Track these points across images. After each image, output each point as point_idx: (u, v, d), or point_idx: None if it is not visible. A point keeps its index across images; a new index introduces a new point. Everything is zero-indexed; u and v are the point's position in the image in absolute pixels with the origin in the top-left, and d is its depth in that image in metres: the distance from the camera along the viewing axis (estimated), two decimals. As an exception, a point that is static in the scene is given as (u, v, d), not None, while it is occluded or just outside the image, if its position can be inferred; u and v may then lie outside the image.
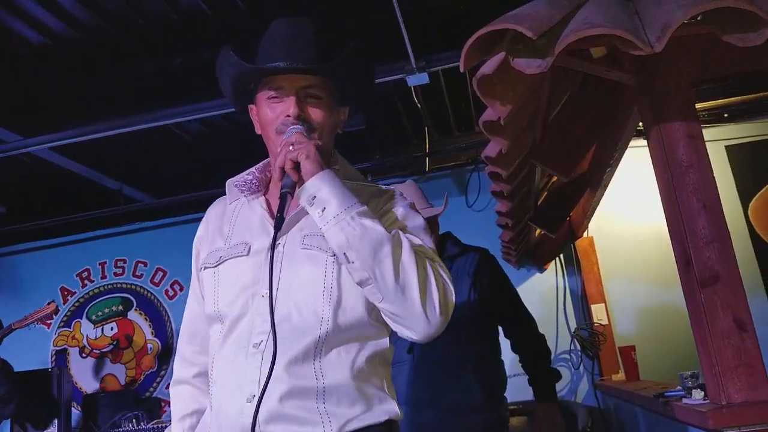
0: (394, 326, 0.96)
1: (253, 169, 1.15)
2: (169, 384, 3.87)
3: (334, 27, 2.45)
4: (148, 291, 3.97)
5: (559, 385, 2.24)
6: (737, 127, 3.34)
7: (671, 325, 3.15)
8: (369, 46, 1.11)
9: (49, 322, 4.00)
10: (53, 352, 3.98)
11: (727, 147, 3.32)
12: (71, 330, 4.01)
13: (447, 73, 2.90)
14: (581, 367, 3.28)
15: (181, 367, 1.15)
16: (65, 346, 3.97)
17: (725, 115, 3.31)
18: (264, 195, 1.12)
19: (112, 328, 3.96)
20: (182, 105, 2.71)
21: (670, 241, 1.37)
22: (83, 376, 3.90)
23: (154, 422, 2.96)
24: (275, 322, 0.96)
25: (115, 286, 4.02)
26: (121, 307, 3.98)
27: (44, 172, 3.46)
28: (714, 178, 1.28)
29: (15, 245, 4.17)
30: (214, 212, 1.17)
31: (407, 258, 0.92)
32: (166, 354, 3.83)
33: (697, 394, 1.40)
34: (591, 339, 3.16)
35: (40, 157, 3.09)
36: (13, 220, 3.91)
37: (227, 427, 0.94)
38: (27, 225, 3.89)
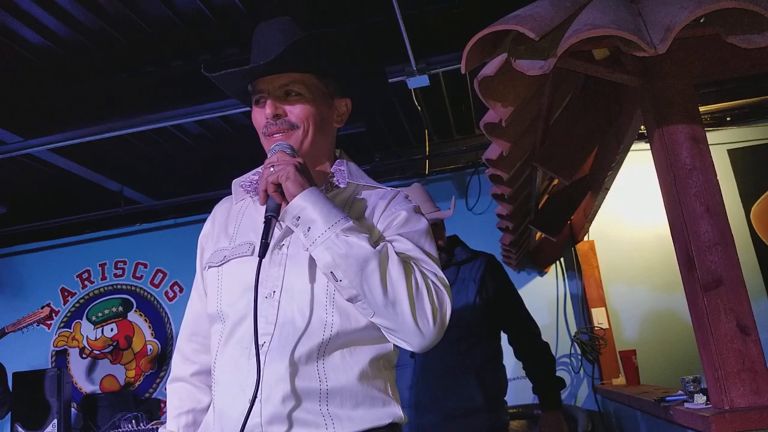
0: (389, 338, 0.96)
1: (258, 169, 1.14)
2: (168, 385, 3.78)
3: (332, 29, 2.45)
4: (148, 292, 3.97)
5: (559, 389, 2.23)
6: (739, 130, 3.34)
7: (672, 329, 3.14)
8: (369, 48, 1.09)
9: (49, 323, 4.00)
10: (53, 353, 3.97)
11: (729, 151, 3.32)
12: (71, 331, 4.00)
13: (447, 75, 2.90)
14: (581, 371, 3.26)
15: (180, 364, 1.15)
16: (65, 347, 3.97)
17: (727, 118, 3.31)
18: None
19: (112, 329, 3.95)
20: (183, 107, 2.71)
21: (673, 245, 1.36)
22: (83, 376, 3.90)
23: (153, 423, 2.95)
24: (279, 324, 0.96)
25: (115, 287, 4.02)
26: (121, 309, 3.97)
27: (45, 174, 3.46)
28: (717, 181, 1.27)
29: (16, 246, 4.17)
30: (220, 210, 1.17)
31: (395, 272, 0.91)
32: (166, 355, 3.82)
33: (699, 399, 1.38)
34: (591, 343, 3.15)
35: (40, 158, 3.09)
36: (13, 221, 3.90)
37: (230, 428, 0.93)
38: (27, 226, 3.89)
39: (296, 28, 1.06)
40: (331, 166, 1.12)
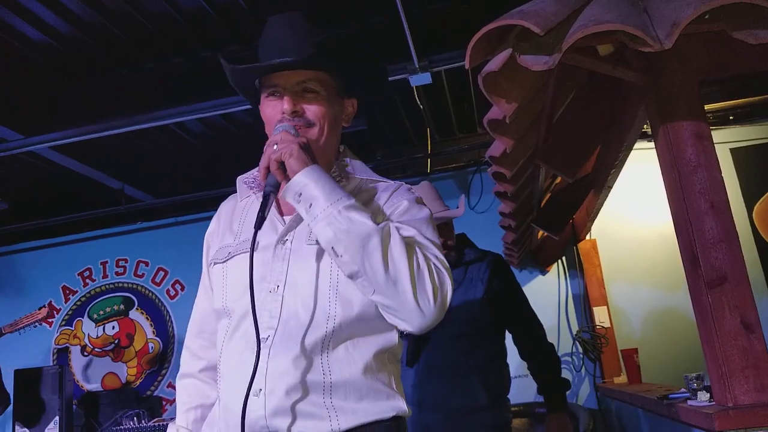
0: (388, 318, 0.95)
1: None
2: (170, 383, 3.86)
3: (335, 26, 2.45)
4: (149, 290, 3.97)
5: (562, 388, 2.22)
6: (742, 129, 3.33)
7: (674, 328, 3.13)
8: (372, 46, 1.09)
9: (50, 320, 4.00)
10: (54, 351, 3.98)
11: (731, 150, 3.31)
12: (73, 329, 4.01)
13: (449, 74, 2.90)
14: (583, 370, 3.26)
15: (188, 360, 1.16)
16: (67, 345, 3.97)
17: (730, 117, 3.30)
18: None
19: (113, 327, 3.95)
20: (184, 104, 2.71)
21: (677, 242, 1.35)
22: (84, 374, 3.90)
23: (155, 420, 2.95)
24: (283, 318, 0.96)
25: (116, 285, 4.02)
26: (122, 307, 3.97)
27: (45, 171, 3.46)
28: (722, 178, 1.27)
29: (17, 244, 4.17)
30: (226, 208, 1.17)
31: (397, 250, 0.91)
32: (167, 353, 3.82)
33: (703, 396, 1.38)
34: (593, 341, 3.15)
35: (41, 156, 3.09)
36: (15, 220, 3.90)
37: (234, 422, 0.94)
38: (29, 224, 3.89)
39: (307, 24, 1.07)
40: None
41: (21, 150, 2.87)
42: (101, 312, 3.99)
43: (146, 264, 4.00)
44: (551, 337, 2.12)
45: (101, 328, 3.96)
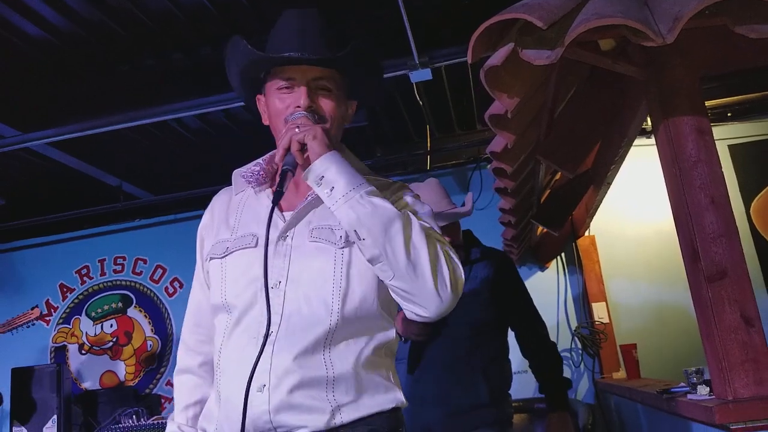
0: (404, 304, 0.95)
1: (260, 160, 1.15)
2: (168, 380, 3.83)
3: (337, 22, 2.45)
4: (147, 288, 3.96)
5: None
6: (740, 126, 3.34)
7: (672, 323, 3.15)
8: (372, 42, 1.11)
9: (48, 319, 3.99)
10: (52, 349, 3.96)
11: (729, 146, 3.32)
12: (70, 327, 3.99)
13: (449, 70, 2.89)
14: (582, 366, 3.27)
15: (185, 356, 1.15)
16: (64, 343, 3.96)
17: (728, 114, 3.31)
18: (271, 187, 1.12)
19: (111, 325, 3.94)
20: (182, 101, 2.70)
21: (677, 236, 1.36)
22: (82, 372, 3.89)
23: (154, 418, 2.94)
24: (285, 314, 0.97)
25: (114, 283, 4.00)
26: (120, 304, 3.96)
27: (43, 168, 3.44)
28: (722, 173, 1.27)
29: (14, 242, 4.15)
30: (219, 201, 1.17)
31: (418, 236, 0.93)
32: (166, 351, 3.81)
33: (703, 390, 1.39)
34: (592, 337, 3.16)
35: (38, 152, 3.07)
36: (12, 217, 3.89)
37: (236, 417, 0.94)
38: (26, 221, 3.87)
39: (323, 22, 1.08)
40: None
41: (18, 146, 2.86)
42: (99, 310, 3.98)
43: (144, 261, 3.99)
44: (550, 333, 2.12)
45: (99, 326, 3.94)
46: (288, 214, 1.05)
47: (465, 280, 2.03)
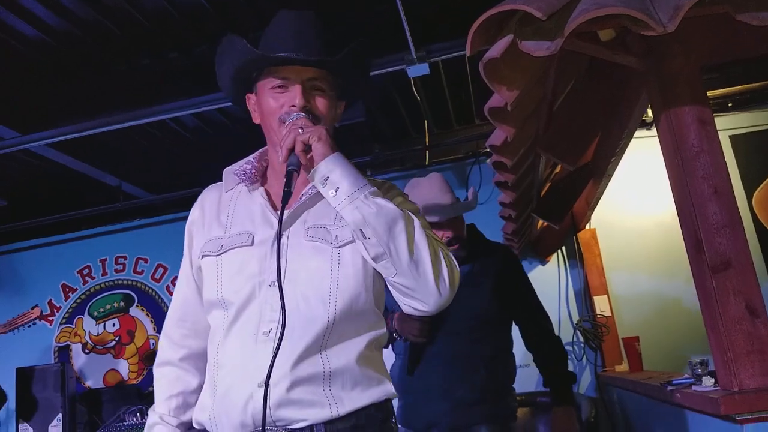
0: (404, 300, 1.00)
1: (250, 158, 1.16)
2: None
3: (332, 17, 2.43)
4: (149, 287, 3.96)
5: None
6: (741, 116, 3.32)
7: (675, 315, 3.14)
8: (367, 37, 1.12)
9: (51, 318, 4.00)
10: (55, 349, 3.97)
11: (731, 137, 3.30)
12: (73, 326, 4.00)
13: (447, 65, 2.88)
14: (584, 359, 3.27)
15: (168, 348, 1.15)
16: (68, 343, 3.97)
17: (729, 104, 3.29)
18: (263, 185, 1.13)
19: (114, 325, 3.95)
20: (181, 100, 2.69)
21: (680, 227, 1.35)
22: (86, 371, 3.90)
23: (157, 417, 2.94)
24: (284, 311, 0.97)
25: (116, 282, 4.01)
26: (122, 304, 3.97)
27: (42, 169, 3.44)
28: (725, 163, 1.26)
29: (15, 243, 4.15)
30: (209, 198, 1.17)
31: (419, 235, 0.97)
32: (168, 350, 3.81)
33: (708, 381, 1.38)
34: (594, 330, 3.15)
35: (37, 153, 3.06)
36: (13, 218, 3.89)
37: (235, 412, 0.96)
38: (27, 222, 3.87)
39: (320, 23, 1.09)
40: None
41: (17, 148, 2.85)
42: (101, 309, 3.98)
43: (145, 261, 3.99)
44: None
45: (102, 325, 3.95)
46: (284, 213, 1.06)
47: (469, 275, 2.04)
